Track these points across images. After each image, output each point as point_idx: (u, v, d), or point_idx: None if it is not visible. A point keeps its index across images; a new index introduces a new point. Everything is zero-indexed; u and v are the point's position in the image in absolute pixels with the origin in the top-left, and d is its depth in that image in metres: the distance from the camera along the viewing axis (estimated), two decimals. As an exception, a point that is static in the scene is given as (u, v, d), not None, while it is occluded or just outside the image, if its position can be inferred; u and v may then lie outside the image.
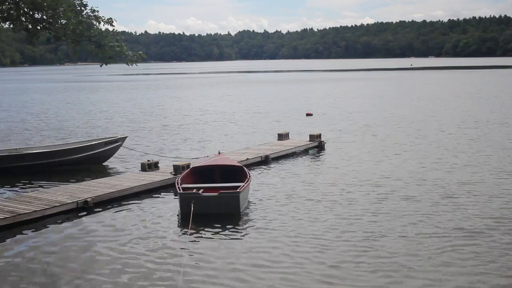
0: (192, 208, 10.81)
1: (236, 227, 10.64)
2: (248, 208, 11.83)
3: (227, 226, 10.57)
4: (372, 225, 10.41)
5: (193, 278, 8.10)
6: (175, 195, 12.59)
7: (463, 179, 14.17)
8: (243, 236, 10.14)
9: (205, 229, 10.40)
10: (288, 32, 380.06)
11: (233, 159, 14.80)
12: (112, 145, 17.36)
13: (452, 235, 9.79)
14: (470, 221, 10.60)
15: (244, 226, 10.71)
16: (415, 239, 9.59)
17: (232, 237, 10.07)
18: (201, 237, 10.05)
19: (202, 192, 11.84)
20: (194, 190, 12.01)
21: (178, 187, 11.86)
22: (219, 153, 15.24)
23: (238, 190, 11.49)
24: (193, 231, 10.26)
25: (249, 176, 12.64)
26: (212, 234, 10.17)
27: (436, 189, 13.14)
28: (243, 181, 12.33)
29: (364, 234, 9.88)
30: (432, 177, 14.46)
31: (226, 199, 11.32)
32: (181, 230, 10.51)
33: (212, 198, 11.45)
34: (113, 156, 17.80)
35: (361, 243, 9.42)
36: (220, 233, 10.26)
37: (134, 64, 15.45)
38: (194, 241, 9.83)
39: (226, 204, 11.31)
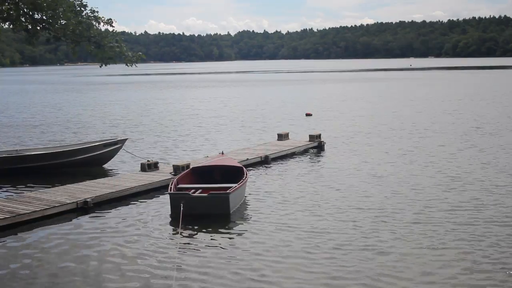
0: (181, 209, 10.80)
1: (225, 228, 10.59)
2: (243, 208, 11.83)
3: (217, 227, 10.54)
4: (371, 226, 10.42)
5: (188, 278, 8.12)
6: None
7: (464, 178, 14.20)
8: (233, 237, 10.10)
9: (195, 230, 10.40)
10: (288, 32, 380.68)
11: (234, 160, 14.81)
12: (112, 147, 17.18)
13: (454, 235, 9.81)
14: (470, 222, 10.63)
15: (234, 227, 10.69)
16: (415, 240, 9.60)
17: (221, 238, 10.00)
18: (191, 238, 10.01)
19: (200, 193, 11.83)
20: (192, 191, 12.03)
21: (170, 187, 11.88)
22: (222, 153, 15.23)
23: (228, 191, 11.43)
24: (184, 232, 10.23)
25: (246, 176, 12.65)
26: (202, 235, 10.17)
27: (436, 190, 13.15)
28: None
29: (363, 236, 9.89)
30: (432, 177, 14.48)
31: (215, 200, 11.26)
32: (173, 230, 10.51)
33: (201, 198, 11.43)
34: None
35: (359, 245, 9.42)
36: (210, 234, 10.23)
37: (134, 65, 15.46)
38: (185, 241, 9.80)
39: (215, 205, 11.23)
